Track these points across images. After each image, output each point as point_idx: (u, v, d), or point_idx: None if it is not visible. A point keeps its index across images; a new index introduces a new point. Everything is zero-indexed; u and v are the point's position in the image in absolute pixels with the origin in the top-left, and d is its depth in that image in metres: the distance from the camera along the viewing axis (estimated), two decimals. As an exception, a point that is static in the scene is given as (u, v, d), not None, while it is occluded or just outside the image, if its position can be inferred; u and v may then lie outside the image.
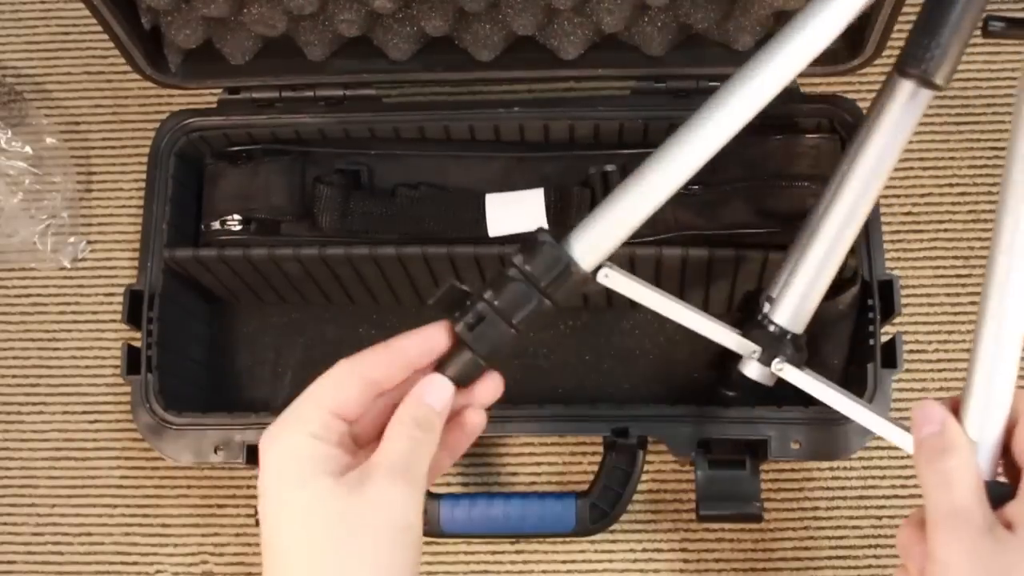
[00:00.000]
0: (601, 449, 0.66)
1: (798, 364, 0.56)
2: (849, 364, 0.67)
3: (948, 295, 0.73)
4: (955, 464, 0.42)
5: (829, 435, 0.62)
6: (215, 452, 0.64)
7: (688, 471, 0.71)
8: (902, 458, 0.71)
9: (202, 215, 0.69)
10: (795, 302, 0.55)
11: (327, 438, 0.44)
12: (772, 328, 0.56)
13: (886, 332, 0.64)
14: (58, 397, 0.75)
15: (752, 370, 0.57)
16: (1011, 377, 0.45)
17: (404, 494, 0.43)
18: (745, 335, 0.56)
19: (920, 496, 0.43)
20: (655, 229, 0.66)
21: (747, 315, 0.61)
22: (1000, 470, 0.46)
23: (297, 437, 0.44)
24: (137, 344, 0.66)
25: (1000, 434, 0.45)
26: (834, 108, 0.67)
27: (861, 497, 0.70)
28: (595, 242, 0.47)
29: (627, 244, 0.63)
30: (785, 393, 0.70)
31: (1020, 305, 0.45)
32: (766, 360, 0.55)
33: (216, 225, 0.68)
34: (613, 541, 0.70)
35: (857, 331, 0.66)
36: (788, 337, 0.56)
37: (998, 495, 0.43)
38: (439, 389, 0.46)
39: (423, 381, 0.46)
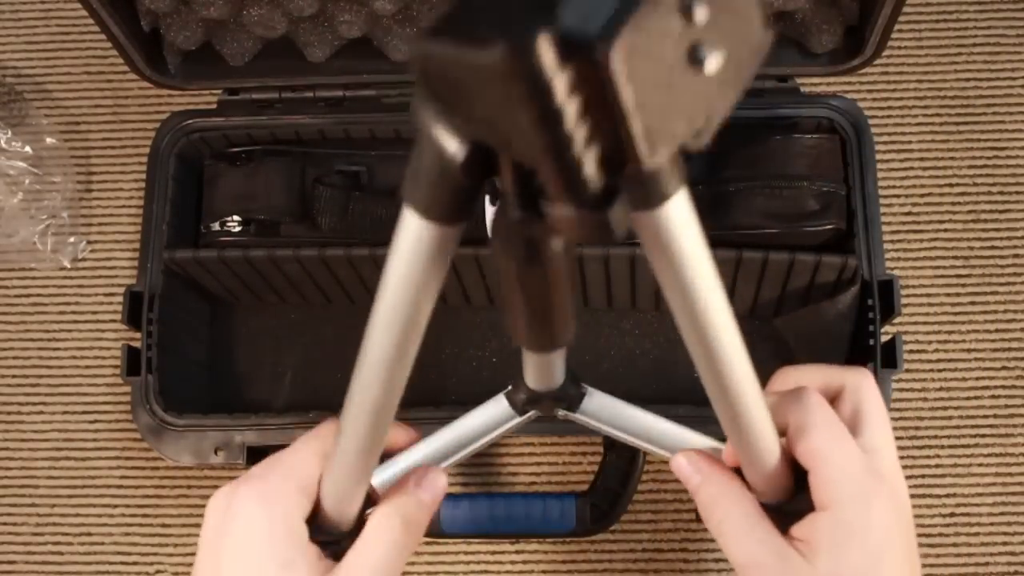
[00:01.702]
0: (601, 449, 0.66)
1: (575, 402, 0.49)
2: (849, 364, 0.67)
3: (948, 295, 0.73)
4: (727, 512, 0.40)
5: (829, 435, 0.62)
6: (215, 453, 0.64)
7: (688, 471, 0.70)
8: (902, 458, 0.70)
9: (202, 216, 0.69)
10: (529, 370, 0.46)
11: (313, 498, 0.42)
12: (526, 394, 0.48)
13: (886, 332, 0.64)
14: (58, 397, 0.75)
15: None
16: (753, 393, 0.36)
17: None
18: (521, 411, 0.49)
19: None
20: (655, 229, 0.66)
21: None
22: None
23: (293, 499, 0.41)
24: (137, 345, 0.66)
25: (773, 450, 0.39)
26: (834, 108, 0.67)
27: (861, 497, 0.70)
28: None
29: (627, 244, 0.64)
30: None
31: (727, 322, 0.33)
32: (550, 414, 0.50)
33: (216, 226, 0.68)
34: (613, 541, 0.70)
35: (857, 331, 0.66)
36: (550, 394, 0.48)
37: (790, 512, 0.40)
38: (434, 480, 0.43)
39: (418, 470, 0.43)
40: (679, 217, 0.29)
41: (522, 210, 0.27)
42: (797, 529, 0.39)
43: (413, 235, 0.31)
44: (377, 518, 0.42)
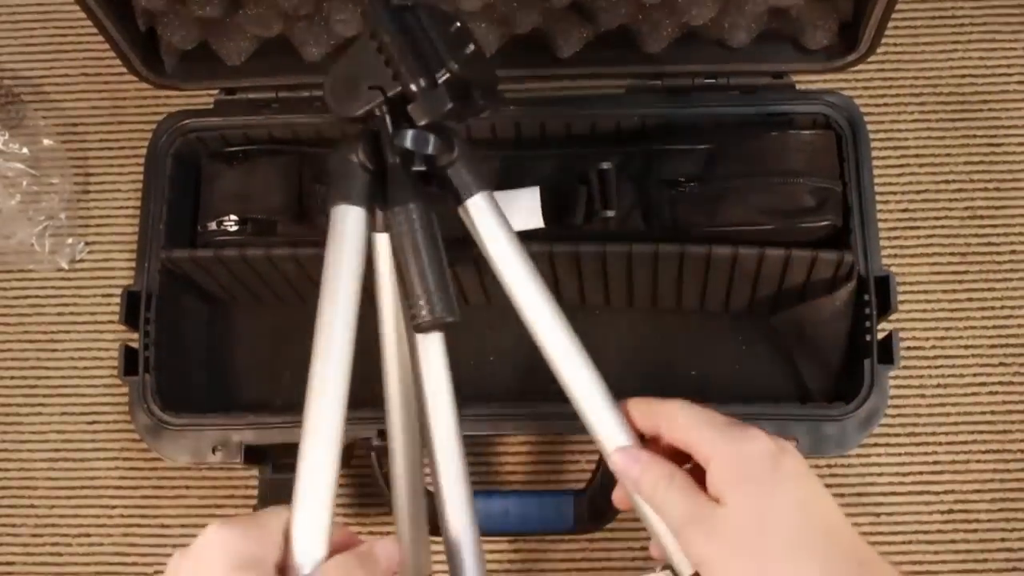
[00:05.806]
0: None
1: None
2: (846, 360, 0.67)
3: (945, 291, 0.73)
4: (666, 486, 0.47)
5: (827, 432, 0.62)
6: (213, 452, 0.64)
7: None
8: (900, 455, 0.71)
9: (199, 216, 0.70)
10: None
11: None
12: None
13: (883, 328, 0.64)
14: (56, 398, 0.75)
15: None
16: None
17: None
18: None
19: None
20: (652, 227, 0.66)
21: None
22: None
23: (268, 541, 0.44)
24: (135, 345, 0.66)
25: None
26: (829, 104, 0.67)
27: (859, 494, 0.70)
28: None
29: (624, 242, 0.64)
30: (784, 392, 0.70)
31: None
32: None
33: (213, 226, 0.68)
34: (612, 539, 0.70)
35: (854, 327, 0.66)
36: None
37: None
38: (390, 546, 0.45)
39: (375, 542, 0.45)
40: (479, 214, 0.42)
41: (395, 127, 0.43)
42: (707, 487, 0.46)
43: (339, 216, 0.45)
44: (332, 564, 0.44)
